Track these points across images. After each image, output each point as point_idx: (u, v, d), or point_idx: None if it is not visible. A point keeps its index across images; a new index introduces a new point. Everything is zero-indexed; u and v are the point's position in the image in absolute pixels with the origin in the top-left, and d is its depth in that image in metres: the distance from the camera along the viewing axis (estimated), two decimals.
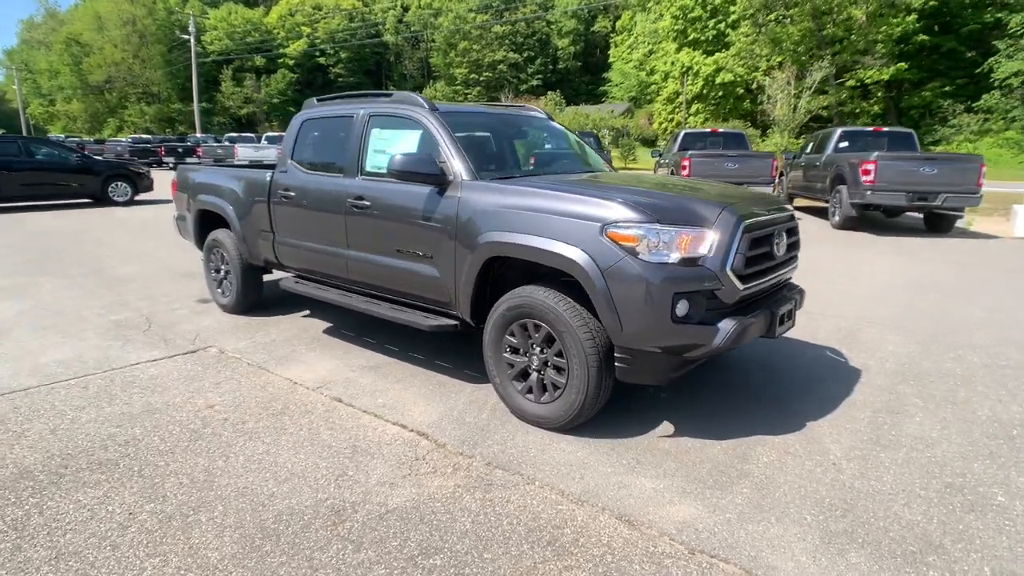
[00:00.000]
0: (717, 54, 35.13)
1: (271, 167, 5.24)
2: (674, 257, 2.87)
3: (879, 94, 30.25)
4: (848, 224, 11.02)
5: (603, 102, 51.48)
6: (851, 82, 28.90)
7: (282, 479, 2.85)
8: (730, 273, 2.95)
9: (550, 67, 58.09)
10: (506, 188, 3.43)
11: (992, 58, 25.91)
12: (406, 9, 60.94)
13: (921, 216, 11.55)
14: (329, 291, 4.64)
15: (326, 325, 5.36)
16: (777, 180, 12.97)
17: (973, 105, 27.32)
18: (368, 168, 4.19)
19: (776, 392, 3.85)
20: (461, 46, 55.63)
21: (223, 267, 5.68)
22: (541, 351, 3.28)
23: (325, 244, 4.49)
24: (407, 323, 3.94)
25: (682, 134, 15.34)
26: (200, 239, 5.95)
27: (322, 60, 60.43)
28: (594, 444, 3.18)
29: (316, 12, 60.63)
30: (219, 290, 5.79)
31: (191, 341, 4.92)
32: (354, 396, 3.82)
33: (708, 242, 2.91)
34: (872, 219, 12.34)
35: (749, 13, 31.09)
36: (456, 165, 3.64)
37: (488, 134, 4.29)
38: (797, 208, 13.72)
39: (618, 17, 55.25)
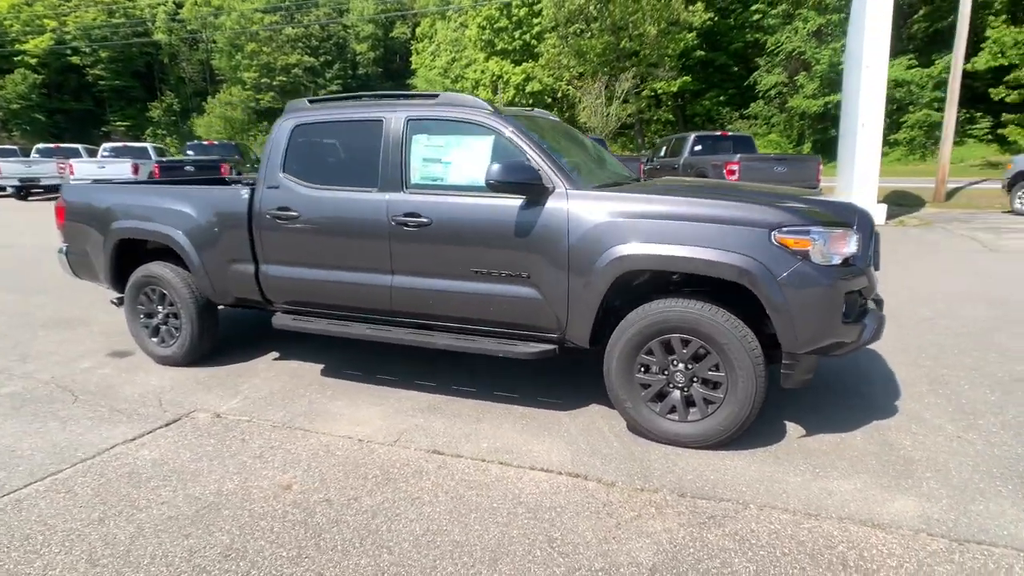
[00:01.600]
0: (524, 64, 36.87)
1: (239, 182, 4.30)
2: (837, 259, 2.92)
3: (669, 103, 34.25)
4: None
5: None
6: (646, 92, 32.25)
7: (488, 561, 2.33)
8: (871, 270, 3.08)
9: (350, 72, 56.14)
10: (632, 196, 3.20)
11: (755, 72, 30.77)
12: (180, 5, 54.31)
13: None
14: (351, 326, 3.94)
15: (317, 366, 4.55)
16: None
17: (744, 112, 32.15)
18: (417, 180, 3.62)
19: (839, 379, 4.10)
20: (249, 48, 51.19)
21: (162, 309, 4.53)
22: (686, 367, 3.11)
23: (353, 271, 3.80)
24: (497, 354, 3.49)
25: None
26: (117, 276, 4.67)
27: (76, 59, 51.12)
28: (751, 455, 3.10)
29: (63, 4, 51.15)
30: (154, 339, 4.60)
31: (159, 407, 3.83)
32: (451, 445, 3.28)
33: (856, 241, 3.00)
34: None
35: (551, 26, 33.17)
36: (553, 173, 3.31)
37: (556, 140, 3.94)
38: None
39: (417, 24, 55.29)
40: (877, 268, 3.17)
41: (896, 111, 27.72)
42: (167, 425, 3.60)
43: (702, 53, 32.10)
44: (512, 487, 2.85)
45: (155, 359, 4.63)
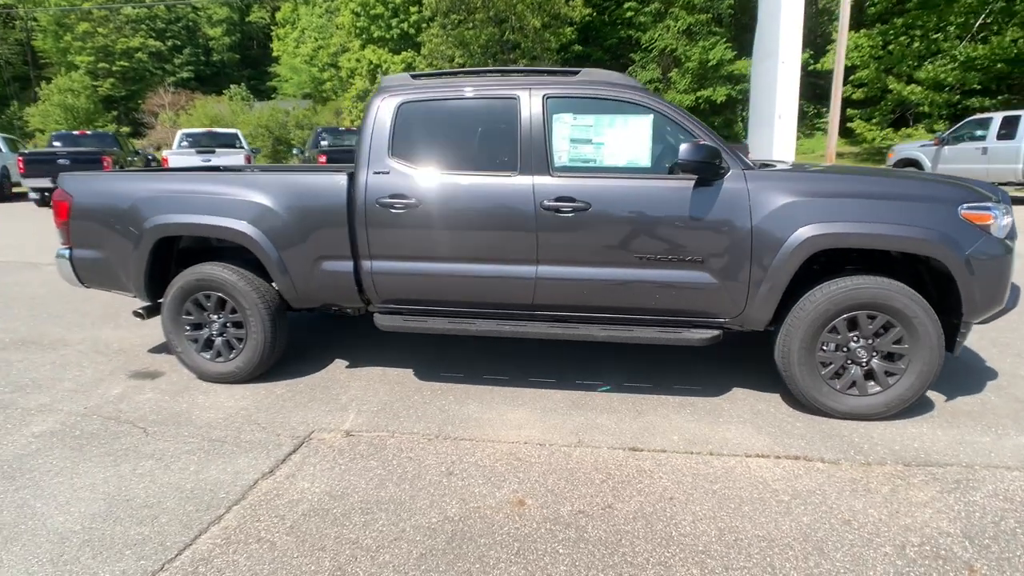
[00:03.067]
0: (404, 52, 35.87)
1: (323, 168, 3.75)
2: (1003, 232, 3.15)
3: None
4: None
5: (273, 98, 48.01)
6: None
7: (816, 552, 2.25)
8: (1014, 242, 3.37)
9: (202, 58, 51.33)
10: (817, 177, 3.27)
11: (630, 68, 32.30)
12: None
13: None
14: (478, 323, 3.61)
15: (405, 371, 4.11)
16: None
17: None
18: (565, 163, 3.38)
19: None
20: (80, 28, 44.88)
21: (218, 319, 3.85)
22: (869, 342, 3.21)
23: (487, 263, 3.47)
24: (662, 342, 3.38)
25: (320, 130, 15.61)
26: (153, 283, 3.91)
27: None
28: (924, 421, 3.27)
29: None
30: (205, 354, 3.90)
31: (265, 431, 3.27)
32: (641, 440, 3.13)
33: (1009, 216, 3.26)
34: None
35: (428, 16, 32.59)
36: (725, 153, 3.25)
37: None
38: None
39: (277, 8, 51.74)
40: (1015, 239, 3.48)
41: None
42: (295, 451, 3.08)
43: (579, 48, 33.19)
44: (751, 476, 2.78)
45: (206, 377, 3.93)
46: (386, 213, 3.49)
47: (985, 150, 11.01)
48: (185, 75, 48.62)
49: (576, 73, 3.51)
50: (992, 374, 3.91)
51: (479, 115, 3.53)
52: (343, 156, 12.49)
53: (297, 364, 4.21)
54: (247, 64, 53.66)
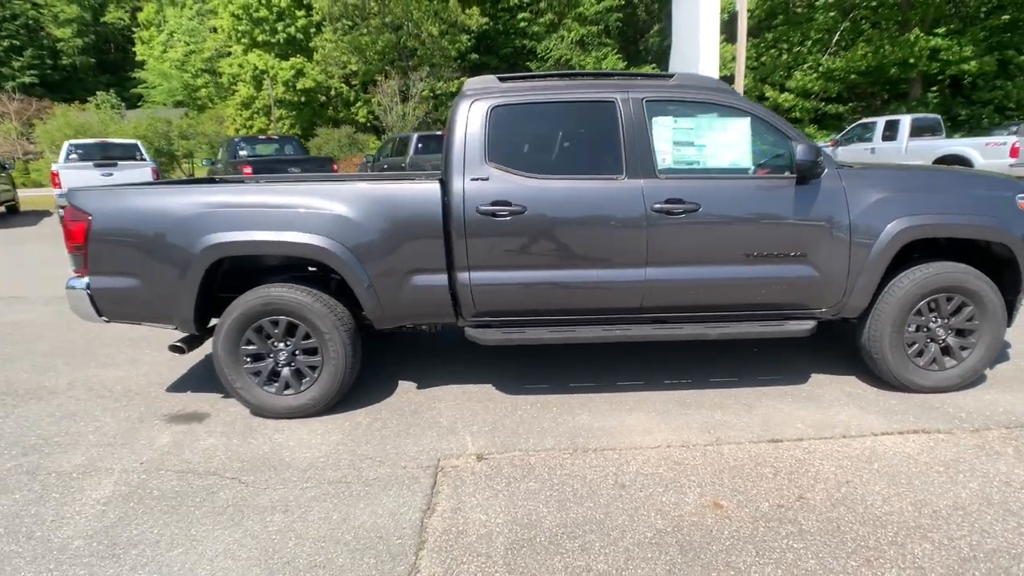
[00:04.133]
0: (293, 58, 34.23)
1: (402, 176, 3.50)
2: None
3: (448, 103, 35.04)
4: None
5: (139, 106, 43.86)
6: (426, 92, 32.48)
7: (1005, 513, 2.44)
8: None
9: (48, 62, 45.73)
10: (901, 174, 3.56)
11: None
12: None
13: None
14: (579, 330, 3.54)
15: (483, 387, 3.90)
16: None
17: None
18: (669, 165, 3.40)
19: None
20: None
21: (285, 347, 3.45)
22: (946, 321, 3.53)
23: (596, 268, 3.41)
24: (768, 336, 3.52)
25: (238, 140, 15.15)
26: (202, 311, 3.42)
27: None
28: (987, 390, 3.65)
29: None
30: (271, 387, 3.48)
31: (392, 467, 2.99)
32: (774, 432, 3.22)
33: None
34: None
35: (317, 21, 31.43)
36: (822, 154, 3.44)
37: None
38: None
39: (138, 8, 47.33)
40: None
41: None
42: (436, 482, 2.84)
43: (476, 56, 33.46)
44: (895, 452, 2.96)
45: (269, 414, 3.50)
46: (489, 221, 3.31)
47: (873, 150, 12.54)
48: (27, 80, 43.01)
49: (671, 77, 3.55)
50: (1006, 344, 4.44)
51: (576, 118, 3.47)
52: (269, 166, 11.68)
53: (358, 391, 3.86)
54: (105, 69, 48.45)
